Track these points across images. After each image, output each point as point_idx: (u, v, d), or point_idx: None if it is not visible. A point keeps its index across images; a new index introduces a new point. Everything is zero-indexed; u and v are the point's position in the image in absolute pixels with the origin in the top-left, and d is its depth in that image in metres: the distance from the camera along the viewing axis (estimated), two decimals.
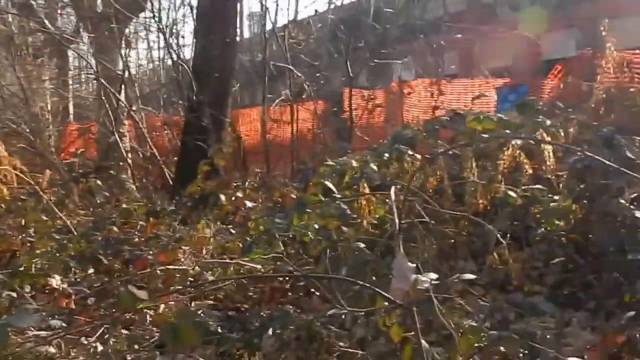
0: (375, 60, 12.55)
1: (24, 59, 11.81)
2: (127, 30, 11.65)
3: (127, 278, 3.89)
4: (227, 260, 3.73)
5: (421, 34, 15.52)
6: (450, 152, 3.88)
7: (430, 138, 4.56)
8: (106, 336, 3.20)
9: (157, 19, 10.58)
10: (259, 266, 3.39)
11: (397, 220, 2.44)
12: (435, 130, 4.68)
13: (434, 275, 1.89)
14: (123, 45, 10.85)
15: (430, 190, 3.52)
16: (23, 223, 5.83)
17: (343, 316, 2.73)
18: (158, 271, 3.91)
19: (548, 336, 2.61)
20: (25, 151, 9.73)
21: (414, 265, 2.00)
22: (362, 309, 2.35)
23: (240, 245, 4.04)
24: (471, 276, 2.21)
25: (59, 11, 13.90)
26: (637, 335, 2.51)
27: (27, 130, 10.64)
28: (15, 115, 11.30)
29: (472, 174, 3.39)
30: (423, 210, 3.06)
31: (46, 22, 12.61)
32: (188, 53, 12.54)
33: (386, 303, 1.99)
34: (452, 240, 3.45)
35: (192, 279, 3.78)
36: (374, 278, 2.55)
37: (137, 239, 5.09)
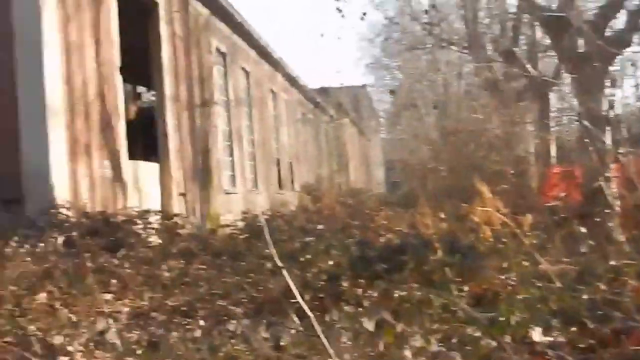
0: None
1: (507, 103, 12.30)
2: (611, 68, 11.07)
3: (616, 352, 3.32)
4: None
5: None
6: None
7: None
8: None
9: None
10: None
11: None
12: None
13: None
14: (608, 84, 10.37)
15: None
16: (504, 265, 5.82)
17: None
18: None
19: None
20: (508, 193, 9.99)
21: None
22: None
23: None
24: None
25: (539, 55, 14.21)
26: None
27: (510, 172, 10.97)
28: (499, 157, 11.82)
29: None
30: None
31: (528, 66, 12.98)
32: None
33: None
34: None
35: None
36: None
37: (628, 304, 4.37)
